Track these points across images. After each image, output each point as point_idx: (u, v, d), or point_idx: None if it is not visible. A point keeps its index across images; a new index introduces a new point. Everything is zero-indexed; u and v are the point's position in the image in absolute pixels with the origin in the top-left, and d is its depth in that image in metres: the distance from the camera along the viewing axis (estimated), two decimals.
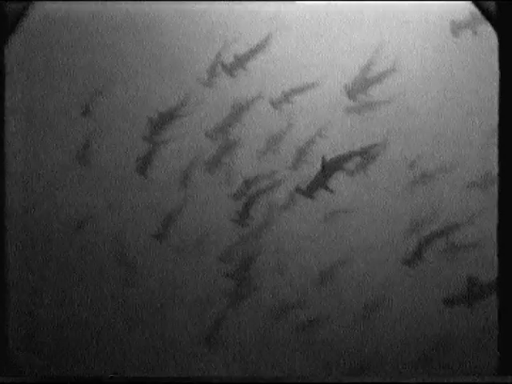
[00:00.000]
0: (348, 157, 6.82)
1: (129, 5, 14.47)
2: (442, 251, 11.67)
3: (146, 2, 14.65)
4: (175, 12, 14.64)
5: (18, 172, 14.72)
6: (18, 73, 14.46)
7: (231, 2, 14.01)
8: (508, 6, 4.30)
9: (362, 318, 13.72)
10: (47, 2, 13.69)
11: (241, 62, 9.38)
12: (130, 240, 14.29)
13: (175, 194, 14.50)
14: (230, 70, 9.49)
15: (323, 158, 6.76)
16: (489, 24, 4.44)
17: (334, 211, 14.31)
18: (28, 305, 14.05)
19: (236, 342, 14.06)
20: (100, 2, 14.20)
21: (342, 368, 13.87)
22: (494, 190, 11.79)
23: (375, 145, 6.86)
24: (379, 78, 9.34)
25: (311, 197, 7.19)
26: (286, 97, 9.85)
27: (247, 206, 8.59)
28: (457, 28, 9.09)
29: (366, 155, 7.02)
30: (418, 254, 9.19)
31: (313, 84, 9.86)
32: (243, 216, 8.71)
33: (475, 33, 8.78)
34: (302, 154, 11.44)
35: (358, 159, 10.34)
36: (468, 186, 12.13)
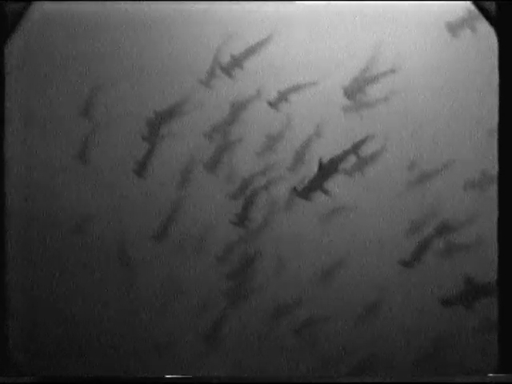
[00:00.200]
0: (342, 157, 6.85)
1: (128, 5, 14.47)
2: (440, 251, 11.67)
3: (145, 2, 14.65)
4: (175, 12, 14.63)
5: (18, 172, 14.71)
6: (17, 73, 14.46)
7: (231, 2, 14.00)
8: (508, 6, 4.31)
9: (361, 318, 13.72)
10: (47, 2, 13.67)
11: (240, 61, 9.38)
12: (129, 240, 14.28)
13: (174, 194, 14.49)
14: (229, 70, 9.49)
15: (320, 159, 6.80)
16: (488, 24, 4.45)
17: (332, 211, 14.31)
18: (28, 305, 14.05)
19: (235, 342, 14.05)
20: (100, 2, 14.19)
21: (341, 368, 13.87)
22: (492, 189, 11.79)
23: (367, 137, 6.85)
24: (378, 78, 9.35)
25: (307, 198, 7.21)
26: (285, 96, 9.85)
27: (246, 208, 8.57)
28: (455, 27, 9.10)
29: (359, 151, 7.02)
30: (416, 255, 9.20)
31: (312, 84, 9.85)
32: (242, 218, 8.71)
33: (474, 31, 8.79)
34: (300, 153, 11.44)
35: (354, 159, 10.35)
36: (466, 186, 12.12)
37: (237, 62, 9.41)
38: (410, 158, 14.02)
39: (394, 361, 13.71)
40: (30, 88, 14.81)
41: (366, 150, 10.59)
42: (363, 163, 10.81)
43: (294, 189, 7.33)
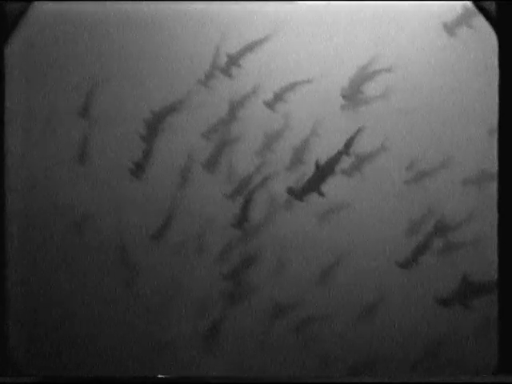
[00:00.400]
0: (338, 158, 6.86)
1: (128, 5, 14.48)
2: (439, 250, 11.67)
3: (145, 2, 14.65)
4: (175, 12, 14.64)
5: (18, 172, 14.71)
6: (17, 73, 14.46)
7: (231, 2, 14.01)
8: (508, 6, 4.31)
9: (361, 317, 13.72)
10: (47, 2, 13.68)
11: (238, 61, 9.39)
12: (128, 240, 14.28)
13: (173, 194, 14.50)
14: (228, 69, 9.50)
15: (317, 161, 6.82)
16: (488, 24, 4.45)
17: (331, 211, 14.32)
18: (28, 305, 14.05)
19: (235, 342, 14.06)
20: (100, 2, 14.20)
21: (340, 368, 13.87)
22: (492, 187, 11.79)
23: (359, 130, 6.84)
24: (377, 77, 9.37)
25: (302, 200, 7.22)
26: (284, 96, 9.85)
27: (244, 209, 8.54)
28: (454, 27, 9.11)
29: (351, 149, 7.03)
30: (416, 254, 9.21)
31: (311, 83, 9.86)
32: (241, 219, 8.67)
33: (473, 31, 8.80)
34: (299, 152, 11.44)
35: (352, 158, 10.36)
36: (465, 185, 12.13)
37: (235, 61, 9.41)
38: (408, 157, 14.02)
39: (393, 361, 13.71)
40: (29, 88, 14.81)
41: (365, 149, 10.60)
42: (362, 162, 10.82)
43: (290, 189, 7.33)
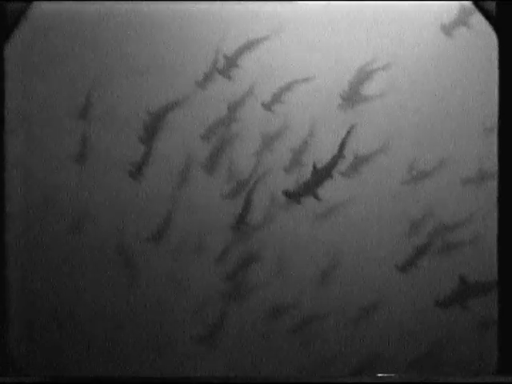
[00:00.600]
0: (334, 162, 6.85)
1: (128, 5, 14.47)
2: (438, 251, 11.68)
3: (145, 2, 14.65)
4: (175, 12, 14.64)
5: (17, 171, 14.71)
6: (17, 73, 14.46)
7: (231, 2, 14.01)
8: (508, 5, 4.31)
9: (360, 318, 13.72)
10: (47, 2, 13.68)
11: (237, 62, 9.38)
12: (128, 241, 14.28)
13: (171, 196, 14.50)
14: (227, 70, 9.48)
15: (314, 164, 6.81)
16: (488, 24, 4.45)
17: (330, 212, 14.32)
18: (28, 305, 14.04)
19: (234, 342, 14.06)
20: (100, 2, 14.20)
21: (341, 368, 13.87)
22: (490, 187, 11.81)
23: (350, 131, 6.82)
24: (376, 78, 9.37)
25: (299, 202, 7.20)
26: (282, 97, 9.85)
27: (244, 211, 8.50)
28: (454, 26, 9.13)
29: (344, 150, 7.01)
30: (415, 255, 9.21)
31: (310, 84, 9.87)
32: (241, 221, 8.63)
33: (473, 30, 8.82)
34: (298, 153, 11.43)
35: (350, 158, 10.37)
36: (464, 184, 12.13)
37: (234, 62, 9.41)
38: (407, 157, 14.02)
39: (393, 361, 13.71)
40: (29, 88, 14.81)
41: (363, 150, 10.61)
42: (360, 163, 10.81)
43: (285, 191, 7.31)
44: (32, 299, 14.12)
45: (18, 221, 14.42)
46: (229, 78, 9.64)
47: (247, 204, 8.41)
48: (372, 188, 14.81)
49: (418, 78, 14.70)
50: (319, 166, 6.89)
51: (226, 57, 9.38)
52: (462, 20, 9.04)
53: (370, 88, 9.89)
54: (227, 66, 9.41)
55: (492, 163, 11.06)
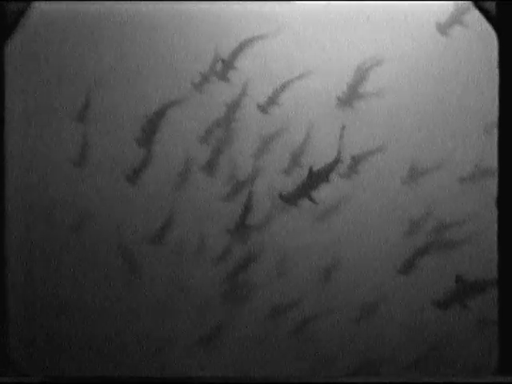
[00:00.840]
0: (331, 167, 6.85)
1: (128, 5, 14.48)
2: (437, 250, 11.68)
3: (145, 2, 14.65)
4: (175, 12, 14.64)
5: (17, 171, 14.72)
6: (17, 73, 14.46)
7: (231, 2, 14.01)
8: (508, 6, 4.31)
9: (360, 318, 13.72)
10: (47, 2, 13.68)
11: (236, 63, 9.37)
12: (128, 242, 14.28)
13: (171, 198, 14.51)
14: (225, 71, 9.48)
15: (311, 168, 6.83)
16: (488, 24, 4.45)
17: (329, 213, 14.34)
18: (28, 305, 14.05)
19: (235, 342, 14.06)
20: (100, 2, 14.20)
21: (341, 368, 13.87)
22: (489, 185, 11.79)
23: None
24: (374, 78, 9.39)
25: (295, 205, 7.22)
26: (281, 97, 9.84)
27: (244, 212, 8.48)
28: (454, 26, 9.15)
29: (341, 156, 7.05)
30: (413, 259, 9.22)
31: (308, 85, 9.86)
32: (240, 222, 8.59)
33: (472, 30, 8.83)
34: (296, 155, 11.43)
35: (347, 161, 10.36)
36: (463, 183, 12.13)
37: (232, 64, 9.40)
38: (406, 157, 14.02)
39: (393, 361, 13.71)
40: (29, 88, 14.82)
41: (362, 150, 10.60)
42: (359, 163, 10.79)
43: (281, 195, 7.34)
44: (32, 299, 14.13)
45: (17, 221, 14.42)
46: (227, 80, 9.65)
47: (248, 205, 8.39)
48: (371, 188, 14.82)
49: (416, 78, 14.71)
50: (316, 168, 6.91)
51: (223, 59, 9.38)
52: (459, 19, 9.05)
53: (368, 88, 9.89)
54: (225, 68, 9.41)
55: (491, 162, 11.07)
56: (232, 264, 11.91)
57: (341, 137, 6.81)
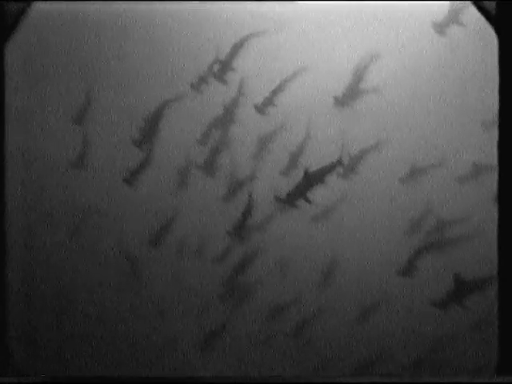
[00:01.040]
0: (329, 169, 6.88)
1: (128, 5, 14.47)
2: (437, 249, 11.66)
3: (145, 2, 14.64)
4: (175, 12, 14.64)
5: (17, 171, 14.71)
6: (16, 73, 14.46)
7: (231, 2, 14.01)
8: (508, 5, 4.31)
9: (360, 318, 13.72)
10: (47, 2, 13.68)
11: (234, 65, 9.35)
12: (128, 244, 14.28)
13: (171, 199, 14.51)
14: (224, 71, 9.46)
15: (306, 169, 6.87)
16: (488, 24, 4.45)
17: (329, 213, 14.33)
18: (28, 306, 14.04)
19: (235, 343, 14.06)
20: (100, 2, 14.20)
21: (341, 368, 13.87)
22: (488, 184, 11.80)
23: (343, 147, 6.88)
24: (373, 78, 9.37)
25: (294, 206, 7.25)
26: (280, 98, 9.81)
27: (245, 213, 8.48)
28: (451, 24, 9.14)
29: (343, 163, 7.10)
30: (415, 255, 9.21)
31: (307, 84, 9.85)
32: (240, 223, 8.60)
33: (469, 27, 8.83)
34: (295, 156, 11.41)
35: (347, 160, 10.36)
36: (462, 181, 12.12)
37: (230, 65, 9.38)
38: (404, 156, 14.03)
39: (393, 361, 13.71)
40: (29, 88, 14.81)
41: (361, 150, 10.60)
42: (356, 163, 10.78)
43: (276, 197, 7.38)
44: (32, 300, 14.12)
45: (17, 222, 14.42)
46: (224, 82, 9.63)
47: (249, 208, 8.39)
48: (370, 188, 14.82)
49: (415, 77, 14.71)
50: (313, 169, 6.95)
51: (221, 60, 9.36)
52: (459, 19, 9.05)
53: (367, 87, 9.88)
54: (223, 69, 9.38)
55: (490, 160, 11.09)
56: (232, 265, 11.91)
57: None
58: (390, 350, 13.94)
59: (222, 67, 9.37)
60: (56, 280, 14.40)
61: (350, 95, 9.76)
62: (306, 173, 6.93)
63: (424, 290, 13.84)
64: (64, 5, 14.34)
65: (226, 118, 10.64)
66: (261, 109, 9.69)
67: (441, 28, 9.27)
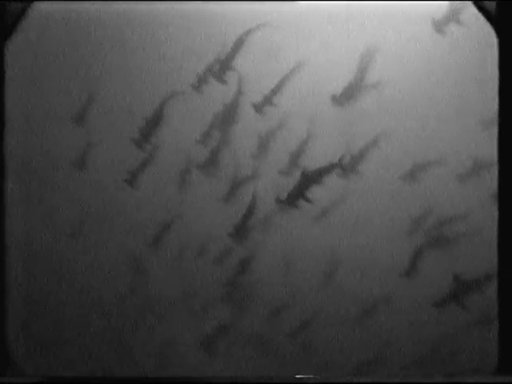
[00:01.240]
0: (328, 170, 6.89)
1: (128, 5, 14.48)
2: (437, 248, 11.67)
3: (145, 2, 14.65)
4: (175, 12, 14.64)
5: (17, 172, 14.72)
6: (17, 72, 14.46)
7: (231, 2, 14.01)
8: (508, 5, 4.32)
9: (361, 318, 13.73)
10: (47, 2, 13.69)
11: (234, 65, 9.35)
12: (129, 244, 14.29)
13: (171, 199, 14.51)
14: (223, 72, 9.45)
15: (303, 171, 6.89)
16: (488, 24, 4.45)
17: (328, 213, 14.33)
18: (28, 306, 14.05)
19: (236, 343, 14.06)
20: (100, 2, 14.20)
21: (340, 369, 13.87)
22: (488, 182, 11.81)
23: (344, 156, 6.87)
24: (372, 76, 9.37)
25: (295, 206, 7.27)
26: (279, 98, 9.81)
27: (245, 213, 8.48)
28: (451, 24, 9.15)
29: (343, 164, 7.11)
30: (415, 254, 9.22)
31: (306, 82, 9.84)
32: (241, 224, 8.59)
33: (469, 27, 8.84)
34: (294, 156, 11.40)
35: (347, 159, 10.37)
36: (462, 180, 12.13)
37: (230, 65, 9.38)
38: (404, 155, 14.03)
39: (393, 361, 13.71)
40: (29, 88, 14.82)
41: (360, 149, 10.60)
42: (357, 161, 10.77)
43: (277, 199, 7.39)
44: (32, 300, 14.13)
45: (18, 222, 14.42)
46: (224, 81, 9.62)
47: (251, 209, 8.40)
48: (370, 186, 14.82)
49: (414, 76, 14.72)
50: (311, 170, 6.96)
51: (221, 60, 9.36)
52: (459, 19, 9.06)
53: (366, 86, 9.88)
54: (223, 68, 9.38)
55: (489, 158, 11.10)
56: (232, 266, 11.91)
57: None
58: (390, 350, 13.94)
59: (222, 67, 9.38)
60: (56, 280, 14.40)
61: (350, 94, 9.76)
62: (303, 173, 6.96)
63: (425, 290, 13.83)
64: (64, 5, 14.34)
65: (226, 117, 10.64)
66: (260, 108, 9.69)
67: (440, 27, 9.28)
